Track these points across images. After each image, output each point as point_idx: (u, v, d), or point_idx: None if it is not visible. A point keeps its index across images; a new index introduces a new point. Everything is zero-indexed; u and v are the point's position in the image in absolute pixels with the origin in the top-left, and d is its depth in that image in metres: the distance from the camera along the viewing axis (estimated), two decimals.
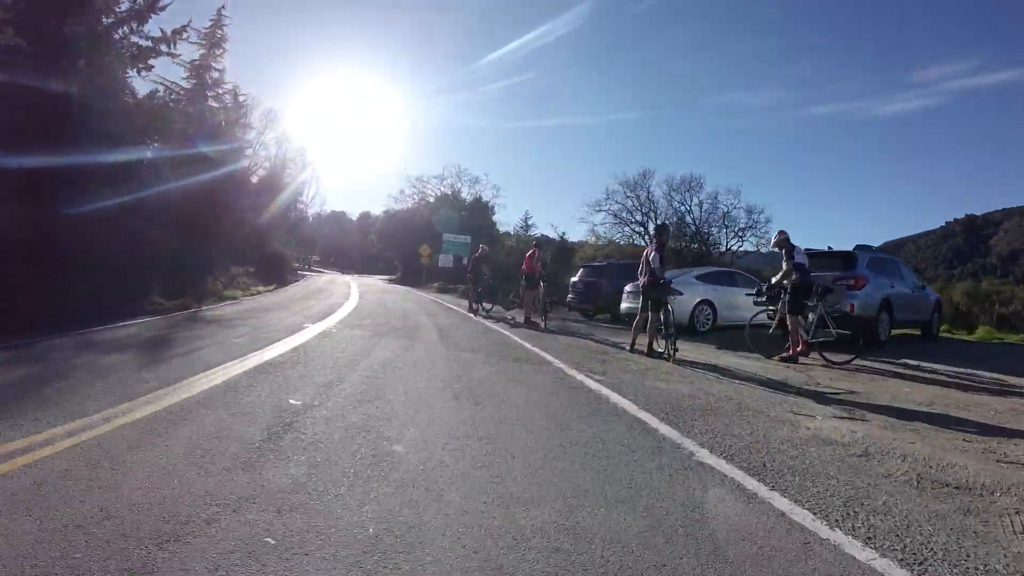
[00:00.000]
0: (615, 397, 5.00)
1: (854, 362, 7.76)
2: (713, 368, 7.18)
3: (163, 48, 17.90)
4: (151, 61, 19.58)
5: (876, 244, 12.17)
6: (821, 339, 8.08)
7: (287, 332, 8.86)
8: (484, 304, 15.03)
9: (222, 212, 26.53)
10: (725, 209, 35.82)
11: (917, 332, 12.27)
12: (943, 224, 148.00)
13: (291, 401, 4.57)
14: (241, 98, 33.24)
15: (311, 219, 72.15)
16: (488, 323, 12.44)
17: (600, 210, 37.97)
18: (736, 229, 36.43)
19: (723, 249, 36.11)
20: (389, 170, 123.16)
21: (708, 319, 12.27)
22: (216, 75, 30.48)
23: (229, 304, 15.01)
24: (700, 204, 36.63)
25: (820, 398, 5.57)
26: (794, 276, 8.22)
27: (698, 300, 12.05)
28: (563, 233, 37.31)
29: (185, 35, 18.25)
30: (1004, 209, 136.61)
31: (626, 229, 38.14)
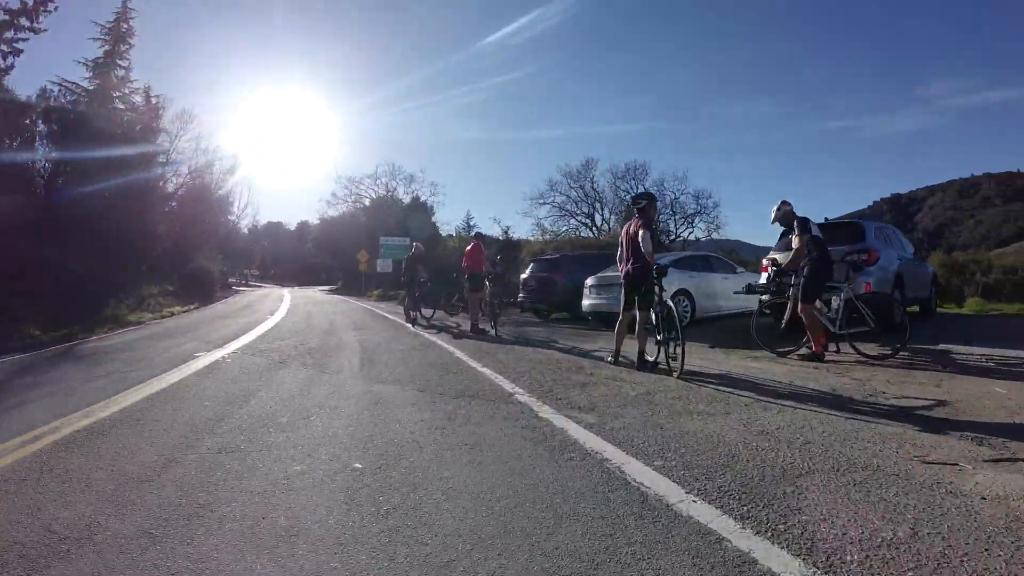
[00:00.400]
0: (633, 467, 2.89)
1: (899, 355, 6.06)
2: (728, 380, 5.28)
3: (24, 23, 14.91)
4: (19, 44, 16.56)
5: None
6: (854, 329, 6.37)
7: (167, 367, 6.69)
8: (423, 311, 12.80)
9: (131, 225, 23.17)
10: (673, 195, 34.75)
11: (915, 309, 10.86)
12: (871, 204, 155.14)
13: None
14: (154, 100, 29.73)
15: (246, 231, 67.75)
16: (427, 334, 10.24)
17: (544, 203, 36.32)
18: (685, 215, 35.41)
19: (673, 237, 35.04)
20: (327, 178, 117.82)
21: (687, 312, 10.49)
22: (121, 73, 26.96)
23: (127, 331, 12.66)
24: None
25: (915, 420, 3.72)
26: (811, 254, 6.50)
27: (675, 290, 10.25)
28: (507, 228, 35.16)
29: (52, 7, 15.20)
30: (926, 187, 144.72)
31: (572, 221, 36.60)
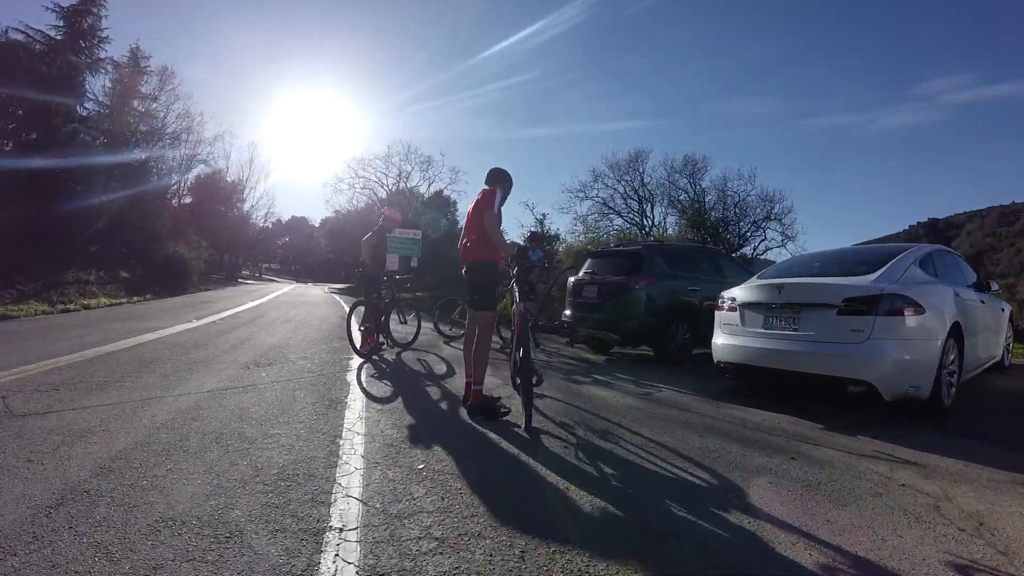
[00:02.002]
0: None
1: None
2: None
3: None
4: None
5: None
6: None
7: None
8: (391, 331, 7.08)
9: (63, 192, 18.26)
10: (737, 197, 28.11)
11: None
12: (907, 227, 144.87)
13: None
14: (143, 63, 25.37)
15: (270, 225, 64.03)
16: (359, 405, 4.52)
17: (586, 197, 30.13)
18: (754, 220, 28.53)
19: (752, 246, 28.06)
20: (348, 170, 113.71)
21: (952, 376, 4.64)
22: (91, 20, 22.48)
23: None
24: (703, 192, 29.00)
25: None
26: None
27: (949, 328, 4.44)
28: (543, 215, 28.79)
29: None
30: (964, 212, 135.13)
31: (617, 220, 30.18)
